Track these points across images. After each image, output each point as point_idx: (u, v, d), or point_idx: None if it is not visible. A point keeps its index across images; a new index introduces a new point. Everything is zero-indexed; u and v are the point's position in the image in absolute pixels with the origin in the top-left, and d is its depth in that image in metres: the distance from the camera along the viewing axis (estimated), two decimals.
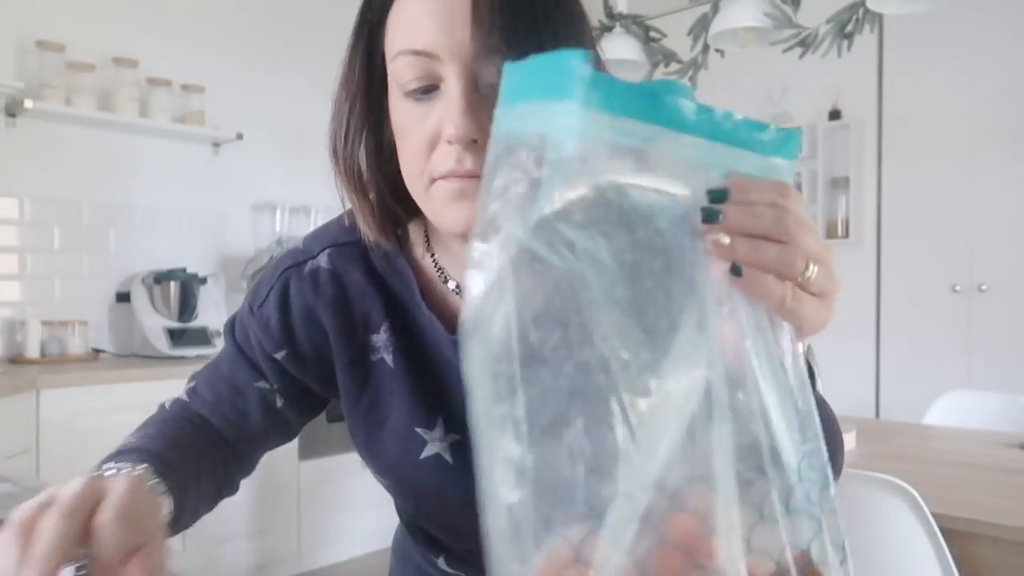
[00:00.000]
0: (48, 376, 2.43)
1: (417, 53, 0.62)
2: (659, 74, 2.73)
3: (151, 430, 0.74)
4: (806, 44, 2.32)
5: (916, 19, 3.36)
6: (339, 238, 0.77)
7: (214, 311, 3.14)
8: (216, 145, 3.43)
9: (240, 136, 3.35)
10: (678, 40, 2.72)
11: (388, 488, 0.79)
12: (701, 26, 2.52)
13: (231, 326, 0.80)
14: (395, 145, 0.67)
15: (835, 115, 3.98)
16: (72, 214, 3.04)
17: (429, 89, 0.63)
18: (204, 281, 3.12)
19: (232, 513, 2.86)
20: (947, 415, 2.33)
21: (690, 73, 2.65)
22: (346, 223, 0.77)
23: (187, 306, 3.04)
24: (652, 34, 2.69)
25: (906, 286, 3.87)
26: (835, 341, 3.88)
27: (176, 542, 2.66)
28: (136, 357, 2.99)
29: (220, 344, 3.14)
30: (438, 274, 0.75)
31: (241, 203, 3.52)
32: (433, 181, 0.64)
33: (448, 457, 0.75)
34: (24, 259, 2.92)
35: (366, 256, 0.75)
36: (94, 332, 3.05)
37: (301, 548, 3.08)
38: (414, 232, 0.76)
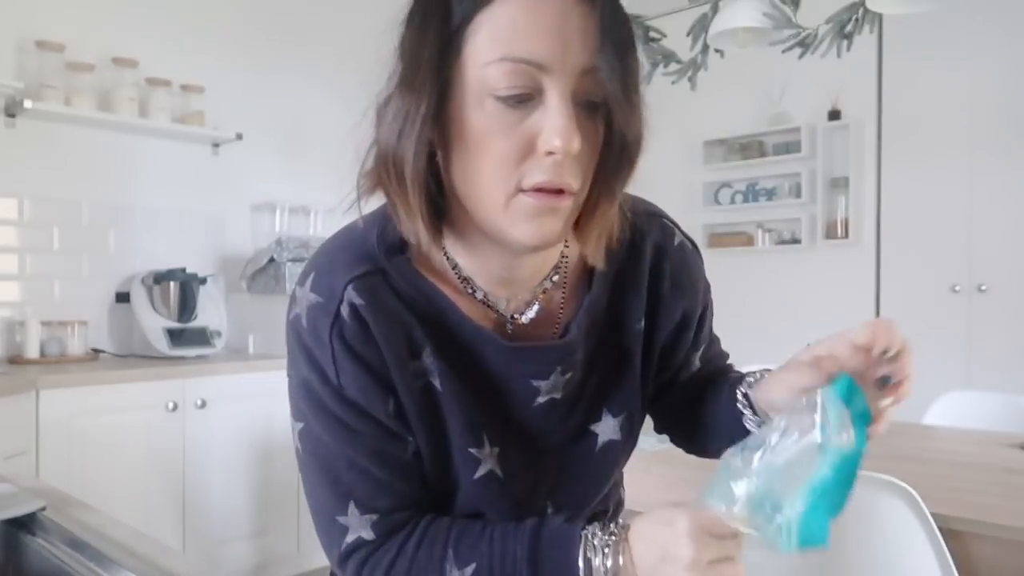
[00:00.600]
0: (48, 376, 2.43)
1: (525, 62, 0.61)
2: (658, 74, 2.73)
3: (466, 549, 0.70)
4: (806, 44, 2.32)
5: (915, 19, 3.36)
6: (355, 269, 0.71)
7: (213, 311, 3.14)
8: (216, 145, 3.43)
9: (240, 136, 3.34)
10: (678, 40, 2.71)
11: (442, 498, 0.76)
12: (701, 26, 2.52)
13: (316, 431, 0.72)
14: (447, 150, 0.65)
15: (835, 115, 3.98)
16: (72, 214, 3.04)
17: (524, 98, 0.62)
18: (204, 281, 3.12)
19: (232, 513, 2.86)
20: (947, 415, 2.33)
21: (689, 73, 2.65)
22: (351, 248, 0.72)
23: (187, 306, 3.04)
24: (651, 34, 2.69)
25: (906, 286, 3.87)
26: None
27: (175, 542, 2.66)
28: (136, 357, 2.99)
29: (219, 344, 3.14)
30: (462, 284, 0.74)
31: (241, 203, 3.52)
32: (517, 192, 0.63)
33: (499, 471, 0.74)
34: (24, 259, 2.92)
35: (389, 284, 0.71)
36: (94, 332, 3.05)
37: (300, 548, 3.08)
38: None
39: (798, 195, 4.11)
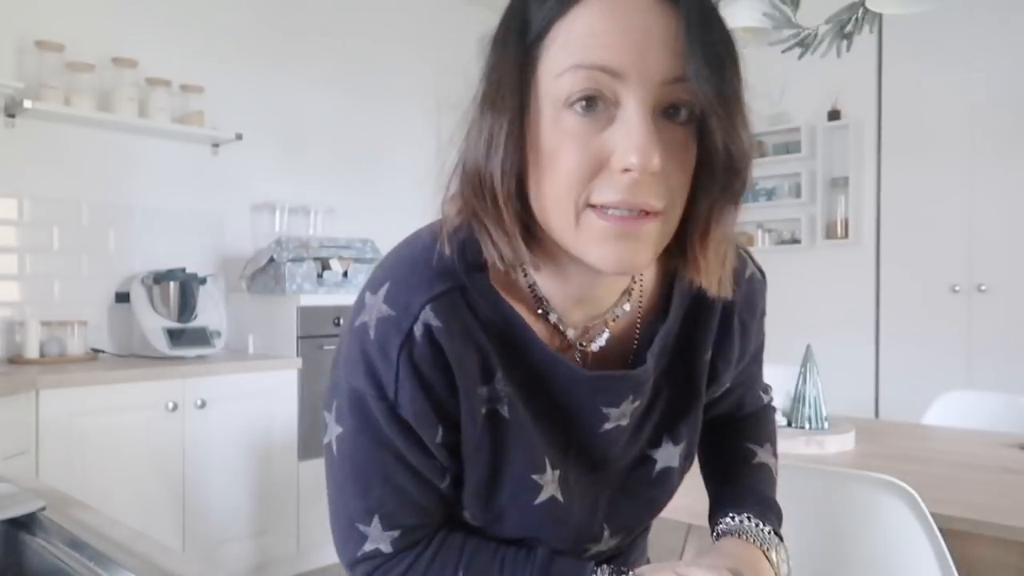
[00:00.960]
0: (47, 376, 2.43)
1: (599, 68, 0.57)
2: None
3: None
4: (805, 44, 2.32)
5: (915, 19, 3.36)
6: (435, 287, 0.67)
7: (213, 311, 3.14)
8: (215, 145, 3.43)
9: (239, 136, 3.34)
10: None
11: (481, 521, 0.74)
12: None
13: (358, 440, 0.70)
14: (526, 169, 0.62)
15: (834, 115, 3.98)
16: (71, 214, 3.04)
17: (597, 108, 0.58)
18: (203, 281, 3.12)
19: (231, 513, 2.86)
20: (946, 415, 2.33)
21: None
22: (431, 262, 0.68)
23: (186, 306, 3.04)
24: None
25: (905, 286, 3.87)
26: (835, 341, 3.88)
27: (175, 542, 2.66)
28: (135, 357, 2.99)
29: (219, 344, 3.14)
30: (536, 304, 0.70)
31: (240, 203, 3.52)
32: (585, 209, 0.59)
33: (560, 496, 0.73)
34: (23, 259, 2.92)
35: (467, 302, 0.68)
36: (93, 332, 3.05)
37: (300, 548, 3.08)
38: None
39: (798, 195, 4.11)
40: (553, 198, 0.60)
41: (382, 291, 0.68)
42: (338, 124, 3.87)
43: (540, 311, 0.71)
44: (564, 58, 0.58)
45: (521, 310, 0.70)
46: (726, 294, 0.69)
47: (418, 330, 0.65)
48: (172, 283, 3.02)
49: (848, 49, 2.27)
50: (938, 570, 1.17)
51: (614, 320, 0.73)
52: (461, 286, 0.67)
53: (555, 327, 0.71)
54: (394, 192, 4.10)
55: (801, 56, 2.39)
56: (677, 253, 0.68)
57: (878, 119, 3.93)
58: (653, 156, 0.56)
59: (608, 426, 0.74)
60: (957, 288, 3.70)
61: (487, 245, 0.65)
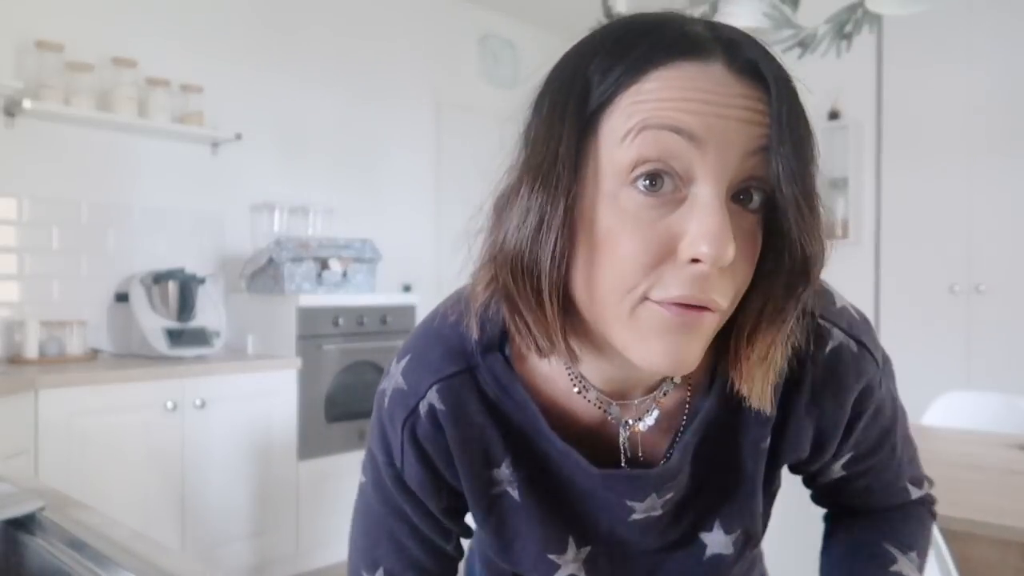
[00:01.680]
0: (47, 376, 2.42)
1: (675, 130, 0.50)
2: None
3: None
4: (805, 45, 2.32)
5: (915, 20, 3.36)
6: (444, 369, 0.66)
7: (212, 311, 3.14)
8: (215, 145, 3.43)
9: (239, 136, 3.34)
10: None
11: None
12: None
13: (370, 495, 0.74)
14: (572, 251, 0.54)
15: (834, 116, 3.98)
16: (71, 214, 3.03)
17: (660, 179, 0.51)
18: (203, 281, 3.12)
19: (231, 514, 2.86)
20: (946, 415, 2.33)
21: None
22: (447, 340, 0.67)
23: (186, 306, 3.03)
24: None
25: (905, 287, 3.87)
26: None
27: (174, 542, 2.66)
28: (135, 357, 2.98)
29: (218, 344, 3.14)
30: (571, 381, 0.64)
31: (240, 203, 3.52)
32: (643, 300, 0.52)
33: (583, 574, 0.71)
34: (23, 259, 2.92)
35: (476, 385, 0.66)
36: (93, 332, 3.05)
37: (299, 549, 3.08)
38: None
39: None
40: (607, 289, 0.53)
41: (403, 362, 0.69)
42: (337, 124, 3.87)
43: (577, 390, 0.64)
44: (628, 119, 0.51)
45: (546, 392, 0.66)
46: (764, 407, 0.60)
47: (423, 408, 0.66)
48: (171, 283, 3.02)
49: (848, 49, 2.27)
50: (938, 571, 1.17)
51: (664, 395, 0.66)
52: (472, 368, 0.65)
53: (597, 406, 0.65)
54: (393, 192, 4.10)
55: (800, 56, 2.39)
56: (720, 346, 0.60)
57: (878, 120, 3.93)
58: (728, 247, 0.49)
59: (637, 517, 0.68)
60: (956, 288, 3.70)
61: (521, 333, 0.59)
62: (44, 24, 2.94)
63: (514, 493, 0.68)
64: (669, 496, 0.68)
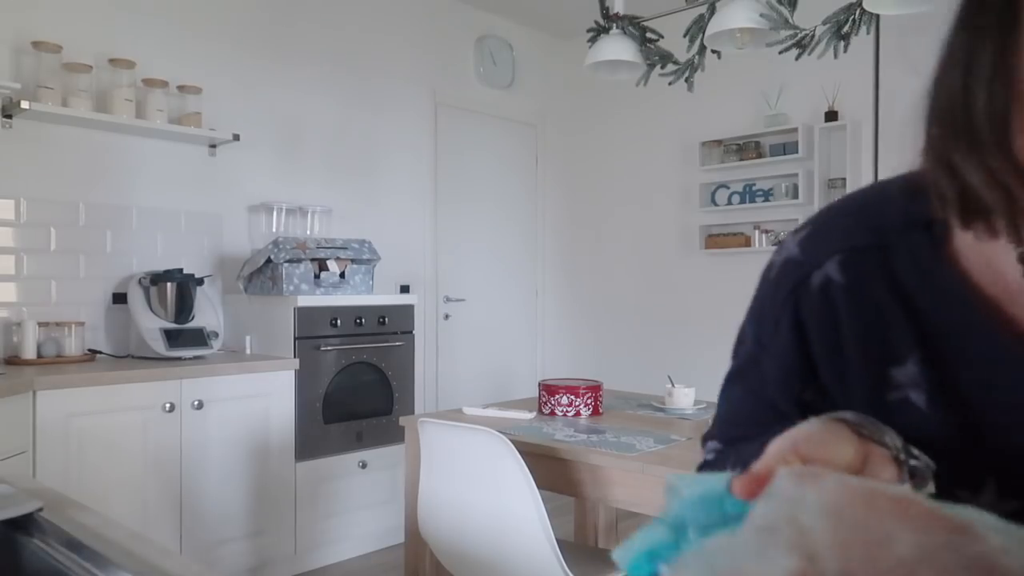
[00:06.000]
0: (45, 377, 2.42)
1: None
2: (655, 75, 2.73)
3: None
4: (803, 45, 2.33)
5: (912, 20, 3.37)
6: (855, 240, 0.57)
7: (211, 312, 3.14)
8: (212, 146, 3.42)
9: (236, 137, 3.34)
10: (675, 41, 2.72)
11: None
12: (698, 27, 2.52)
13: (736, 375, 0.66)
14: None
15: (831, 116, 3.98)
16: (69, 215, 3.03)
17: None
18: (201, 282, 3.12)
19: (229, 514, 2.86)
20: None
21: (687, 74, 2.65)
22: (864, 210, 0.58)
23: (184, 307, 3.03)
24: (649, 35, 2.69)
25: None
26: None
27: (172, 542, 2.66)
28: (133, 358, 2.98)
29: (216, 344, 3.13)
30: (1021, 264, 0.50)
31: (237, 204, 3.52)
32: None
33: None
34: (20, 260, 2.92)
35: (889, 264, 0.55)
36: (91, 333, 3.05)
37: (298, 549, 3.08)
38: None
39: (795, 196, 4.12)
40: None
41: (802, 234, 0.61)
42: (335, 125, 3.87)
43: None
44: None
45: (990, 279, 0.53)
46: None
47: (816, 279, 0.57)
48: (169, 284, 3.02)
49: (845, 50, 2.27)
50: None
51: None
52: (888, 246, 0.55)
53: None
54: (391, 193, 4.10)
55: (798, 57, 2.40)
56: None
57: (875, 120, 3.93)
58: None
59: None
60: None
61: (948, 187, 0.49)
62: (42, 25, 2.94)
63: (920, 400, 0.55)
64: None
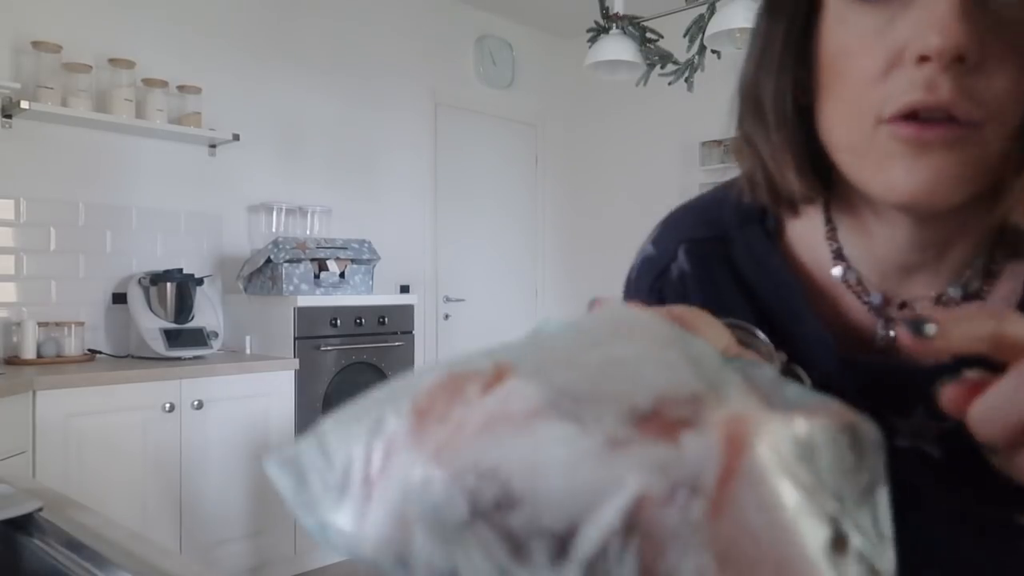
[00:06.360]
0: (44, 377, 2.42)
1: None
2: (655, 75, 2.73)
3: None
4: None
5: None
6: (695, 232, 0.60)
7: (210, 312, 3.14)
8: (212, 146, 3.42)
9: (236, 137, 3.34)
10: (674, 41, 2.72)
11: None
12: (697, 27, 2.52)
13: None
14: (814, 94, 0.49)
15: None
16: (68, 215, 3.03)
17: None
18: (200, 282, 3.12)
19: (229, 514, 2.86)
20: None
21: (686, 74, 2.65)
22: (702, 209, 0.61)
23: (183, 307, 3.03)
24: (648, 35, 2.69)
25: None
26: None
27: (172, 542, 2.66)
28: (132, 358, 2.98)
29: (216, 345, 3.12)
30: (833, 259, 0.54)
31: (237, 204, 3.52)
32: (877, 125, 0.44)
33: None
34: (20, 260, 2.92)
35: (728, 254, 0.58)
36: (90, 333, 3.05)
37: (297, 549, 3.08)
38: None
39: None
40: (840, 114, 0.47)
41: (654, 234, 0.64)
42: (335, 125, 3.87)
43: (839, 272, 0.54)
44: None
45: (811, 264, 0.56)
46: None
47: (675, 271, 0.60)
48: (169, 284, 3.02)
49: None
50: None
51: (944, 303, 0.52)
52: (724, 237, 0.58)
53: (862, 300, 0.53)
54: (391, 193, 4.10)
55: None
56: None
57: None
58: (958, 35, 0.40)
59: (901, 444, 0.50)
60: None
61: (757, 176, 0.53)
62: (41, 25, 2.94)
63: None
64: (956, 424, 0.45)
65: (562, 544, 0.26)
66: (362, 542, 0.32)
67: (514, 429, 0.29)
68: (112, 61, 3.03)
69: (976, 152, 0.43)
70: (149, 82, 3.11)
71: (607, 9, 2.71)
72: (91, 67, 2.95)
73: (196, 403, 2.74)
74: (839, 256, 0.54)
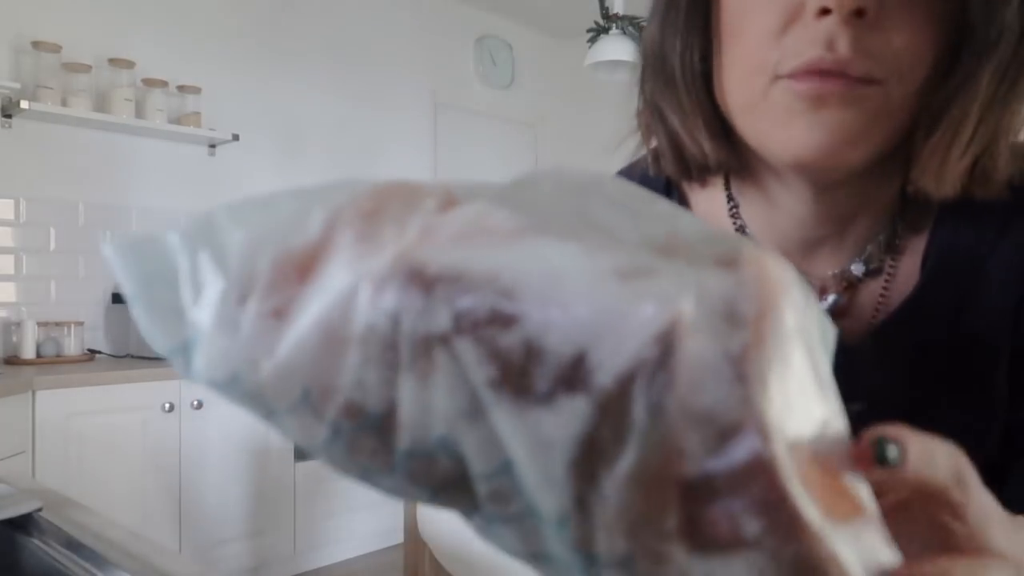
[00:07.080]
0: (44, 377, 2.42)
1: None
2: None
3: None
4: None
5: None
6: None
7: None
8: (212, 146, 3.42)
9: (236, 137, 3.34)
10: None
11: None
12: None
13: None
14: (714, 55, 0.48)
15: None
16: (68, 215, 3.03)
17: None
18: None
19: (228, 514, 2.86)
20: None
21: None
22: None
23: None
24: None
25: None
26: None
27: (171, 542, 2.66)
28: (132, 358, 2.98)
29: None
30: (732, 221, 0.54)
31: None
32: (775, 81, 0.43)
33: None
34: (20, 260, 2.92)
35: None
36: (90, 333, 3.05)
37: (297, 549, 3.08)
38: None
39: None
40: (737, 74, 0.46)
41: None
42: (335, 125, 3.87)
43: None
44: None
45: None
46: (945, 192, 0.45)
47: None
48: None
49: None
50: None
51: (846, 284, 0.52)
52: None
53: None
54: None
55: None
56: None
57: None
58: None
59: None
60: None
61: (663, 146, 0.52)
62: (41, 25, 2.94)
63: None
64: (855, 408, 0.42)
65: (570, 373, 0.22)
66: (259, 367, 0.26)
67: (502, 241, 0.24)
68: (112, 61, 3.03)
69: (875, 109, 0.43)
70: (149, 82, 3.11)
71: (607, 9, 2.71)
72: (91, 67, 2.95)
73: (196, 403, 2.74)
74: (742, 233, 0.53)
